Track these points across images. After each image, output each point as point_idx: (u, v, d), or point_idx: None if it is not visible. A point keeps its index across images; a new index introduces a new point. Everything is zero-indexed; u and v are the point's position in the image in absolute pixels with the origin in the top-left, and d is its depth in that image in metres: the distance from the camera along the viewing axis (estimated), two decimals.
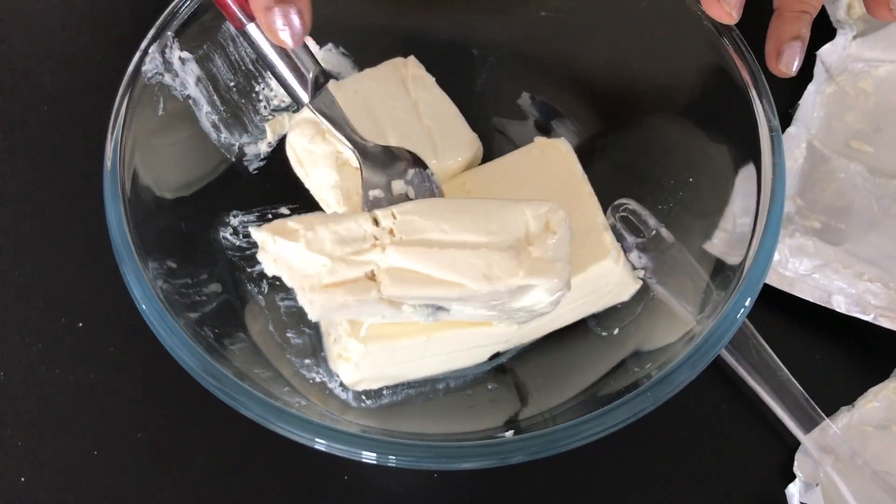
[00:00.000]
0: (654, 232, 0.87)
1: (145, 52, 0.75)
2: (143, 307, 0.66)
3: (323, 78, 0.68)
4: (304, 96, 0.68)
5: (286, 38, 0.59)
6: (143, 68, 0.75)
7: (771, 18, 0.78)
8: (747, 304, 0.70)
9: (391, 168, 0.73)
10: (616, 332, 0.82)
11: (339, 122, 0.71)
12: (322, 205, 0.84)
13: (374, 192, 0.72)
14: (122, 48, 0.78)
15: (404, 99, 0.86)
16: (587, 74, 0.96)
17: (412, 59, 0.90)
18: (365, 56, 0.91)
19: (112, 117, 0.72)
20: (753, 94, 0.78)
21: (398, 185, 0.73)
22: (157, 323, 0.65)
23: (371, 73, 0.87)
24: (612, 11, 0.88)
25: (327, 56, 0.91)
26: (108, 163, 0.69)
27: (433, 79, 0.90)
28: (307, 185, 0.84)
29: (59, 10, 1.07)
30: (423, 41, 0.93)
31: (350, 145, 0.72)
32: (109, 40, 1.03)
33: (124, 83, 0.74)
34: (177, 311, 0.69)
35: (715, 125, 0.87)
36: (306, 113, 0.82)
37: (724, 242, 0.82)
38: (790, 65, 0.72)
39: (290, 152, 0.84)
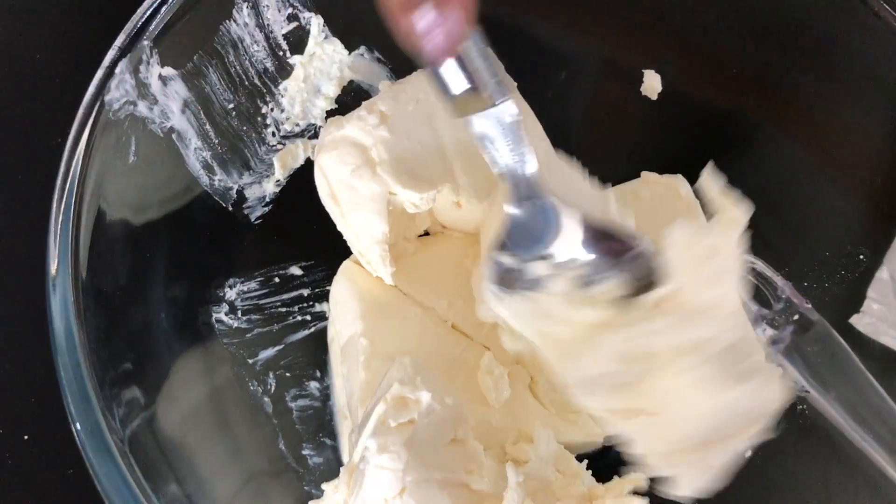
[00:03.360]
0: (793, 309, 0.73)
1: (110, 73, 0.60)
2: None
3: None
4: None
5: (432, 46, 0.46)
6: (108, 97, 0.60)
7: None
8: None
9: (546, 237, 0.56)
10: (748, 454, 0.68)
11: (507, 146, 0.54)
12: (360, 259, 0.70)
13: (504, 259, 0.56)
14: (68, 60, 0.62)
15: None
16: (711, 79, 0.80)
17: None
18: (405, 61, 0.72)
19: (60, 176, 0.56)
20: None
21: (539, 267, 0.56)
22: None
23: None
24: None
25: (357, 62, 0.77)
26: (53, 246, 0.54)
27: (514, 84, 0.73)
28: (340, 228, 0.70)
29: None
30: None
31: (504, 183, 0.56)
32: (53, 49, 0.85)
33: (77, 122, 0.58)
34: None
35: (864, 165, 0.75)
36: (348, 129, 0.68)
37: (882, 319, 0.72)
38: None
39: (321, 181, 0.69)
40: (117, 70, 0.60)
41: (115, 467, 0.51)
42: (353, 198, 0.67)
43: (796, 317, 0.73)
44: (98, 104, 0.59)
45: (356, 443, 0.56)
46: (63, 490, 0.70)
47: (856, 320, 0.71)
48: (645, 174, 0.75)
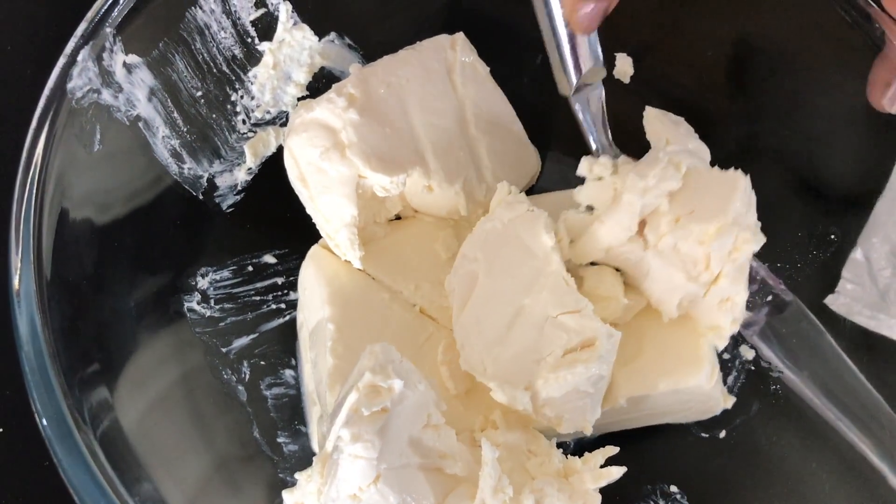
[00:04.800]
0: (767, 290, 0.71)
1: (72, 62, 0.58)
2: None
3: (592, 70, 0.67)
4: (569, 86, 0.66)
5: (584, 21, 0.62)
6: (70, 85, 0.58)
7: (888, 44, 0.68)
8: None
9: None
10: (722, 434, 0.70)
11: (594, 126, 0.69)
12: (329, 242, 0.69)
13: None
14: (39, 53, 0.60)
15: (449, 98, 0.71)
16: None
17: (461, 37, 0.73)
18: (377, 47, 0.74)
19: (21, 166, 0.54)
20: None
21: None
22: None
23: (408, 56, 0.71)
24: None
25: (328, 49, 0.75)
26: (15, 237, 0.52)
27: (487, 69, 0.74)
28: (309, 211, 0.69)
29: None
30: (457, 20, 0.77)
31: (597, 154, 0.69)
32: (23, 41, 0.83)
33: (39, 110, 0.56)
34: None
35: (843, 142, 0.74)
36: (317, 112, 0.67)
37: (856, 299, 0.71)
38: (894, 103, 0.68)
39: (290, 163, 0.68)
40: (79, 58, 0.58)
41: (84, 464, 0.50)
42: (322, 180, 0.66)
43: (770, 297, 0.71)
44: (60, 92, 0.57)
45: (328, 432, 0.55)
46: (39, 482, 0.68)
47: (830, 301, 0.71)
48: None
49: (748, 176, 0.62)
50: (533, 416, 0.60)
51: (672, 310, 0.64)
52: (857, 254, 0.72)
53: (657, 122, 0.67)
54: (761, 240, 0.62)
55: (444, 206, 0.70)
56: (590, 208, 0.66)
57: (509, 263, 0.62)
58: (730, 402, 0.68)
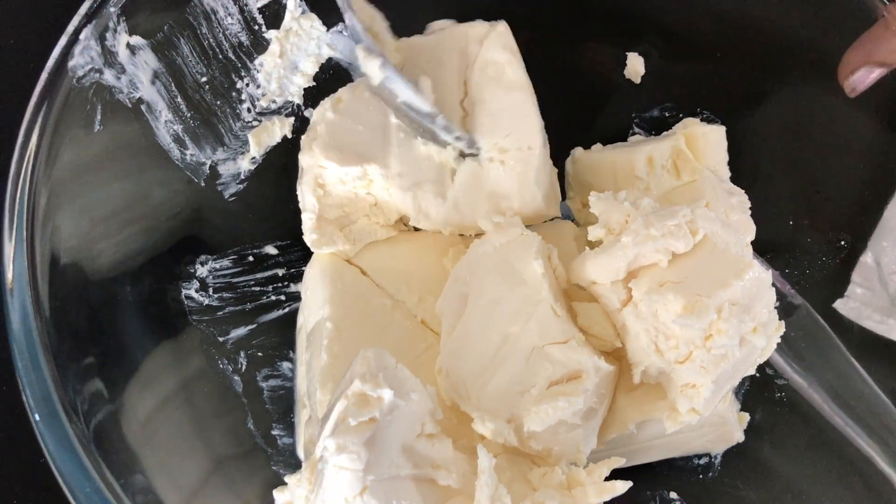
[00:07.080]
0: (778, 296, 0.69)
1: (74, 39, 0.57)
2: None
3: None
4: None
5: None
6: (71, 63, 0.57)
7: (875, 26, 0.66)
8: None
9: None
10: None
11: None
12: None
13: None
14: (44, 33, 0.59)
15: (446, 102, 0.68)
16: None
17: (500, 29, 0.69)
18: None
19: (19, 142, 0.53)
20: None
21: None
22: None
23: (424, 44, 0.71)
24: None
25: (336, 39, 0.73)
26: (9, 220, 0.50)
27: (521, 71, 0.69)
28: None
29: None
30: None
31: None
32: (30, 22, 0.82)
33: (39, 87, 0.55)
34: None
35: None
36: (313, 114, 0.68)
37: (866, 303, 0.70)
38: (856, 90, 0.68)
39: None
40: (82, 36, 0.57)
41: (76, 458, 0.49)
42: (302, 173, 0.68)
43: (778, 302, 0.70)
44: (61, 70, 0.56)
45: (318, 436, 0.52)
46: (33, 481, 0.68)
47: (840, 305, 0.70)
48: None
49: (769, 272, 0.56)
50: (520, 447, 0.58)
51: (636, 375, 0.58)
52: (867, 257, 0.71)
53: (707, 186, 0.65)
54: (766, 343, 0.56)
55: (400, 209, 0.69)
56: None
57: (498, 289, 0.60)
58: (744, 421, 0.66)
